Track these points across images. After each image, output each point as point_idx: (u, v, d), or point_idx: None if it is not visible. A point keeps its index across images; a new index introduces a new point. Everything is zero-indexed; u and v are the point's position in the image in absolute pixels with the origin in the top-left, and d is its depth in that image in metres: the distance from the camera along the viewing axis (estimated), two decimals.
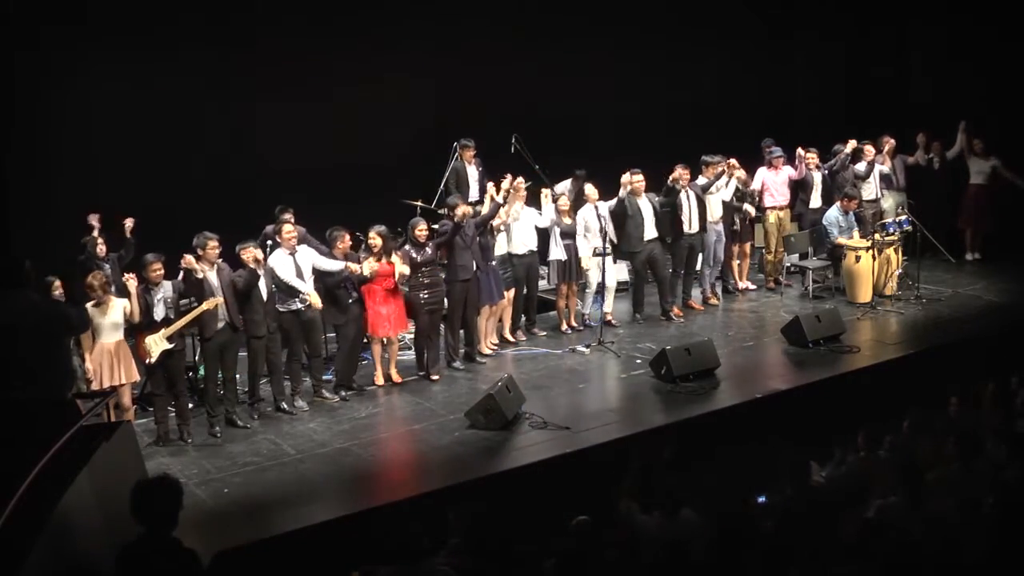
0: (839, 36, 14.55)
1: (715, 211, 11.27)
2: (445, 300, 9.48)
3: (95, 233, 8.96)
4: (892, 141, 12.67)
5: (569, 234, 10.33)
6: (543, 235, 10.45)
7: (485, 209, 9.88)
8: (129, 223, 9.12)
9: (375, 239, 9.00)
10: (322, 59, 11.23)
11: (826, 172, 12.09)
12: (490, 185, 9.96)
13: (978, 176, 12.97)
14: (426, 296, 9.27)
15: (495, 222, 9.74)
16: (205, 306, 7.93)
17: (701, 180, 11.16)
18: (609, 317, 10.74)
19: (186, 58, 10.38)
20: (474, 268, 9.52)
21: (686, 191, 10.89)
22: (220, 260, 8.26)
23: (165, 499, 4.51)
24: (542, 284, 10.93)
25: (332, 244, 8.96)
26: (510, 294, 10.18)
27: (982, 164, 12.95)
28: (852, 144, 12.06)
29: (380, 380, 9.29)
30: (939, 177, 13.15)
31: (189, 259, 7.97)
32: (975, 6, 13.51)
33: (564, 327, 10.65)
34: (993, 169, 12.87)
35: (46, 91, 9.77)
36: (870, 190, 12.29)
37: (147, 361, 7.85)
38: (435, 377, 9.41)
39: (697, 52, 13.86)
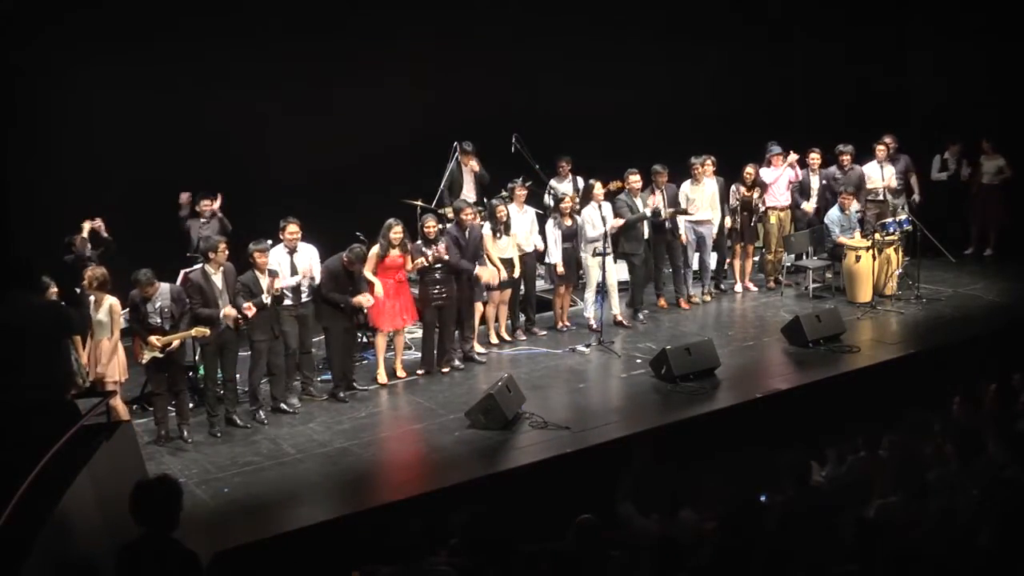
0: (839, 37, 14.53)
1: (702, 212, 11.33)
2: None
3: (84, 234, 8.95)
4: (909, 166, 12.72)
5: (569, 236, 10.34)
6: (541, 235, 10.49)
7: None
8: (99, 223, 9.08)
9: (398, 232, 9.04)
10: (322, 59, 11.23)
11: (824, 182, 12.15)
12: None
13: (986, 176, 12.96)
14: (436, 292, 9.31)
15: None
16: (194, 332, 7.91)
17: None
18: (620, 318, 10.74)
19: (186, 58, 10.38)
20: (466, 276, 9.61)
21: (662, 191, 10.96)
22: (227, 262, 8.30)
23: (164, 499, 4.50)
24: (539, 284, 10.93)
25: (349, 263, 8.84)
26: (505, 294, 10.19)
27: (991, 164, 12.94)
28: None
29: (383, 377, 9.29)
30: (952, 178, 13.16)
31: (229, 312, 8.10)
32: (976, 6, 13.51)
33: (560, 325, 10.67)
34: (999, 169, 12.88)
35: (46, 91, 9.78)
36: (877, 191, 12.33)
37: (139, 361, 7.87)
38: (445, 369, 9.51)
39: (697, 53, 13.85)
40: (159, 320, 7.87)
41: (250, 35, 10.83)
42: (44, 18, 9.54)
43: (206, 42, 10.50)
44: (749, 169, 11.63)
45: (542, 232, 10.50)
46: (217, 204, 9.91)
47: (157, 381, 8.08)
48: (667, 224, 11.01)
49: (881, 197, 12.34)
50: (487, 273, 9.72)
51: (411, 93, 11.94)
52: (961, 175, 13.11)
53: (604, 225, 10.32)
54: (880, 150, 12.41)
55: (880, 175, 12.39)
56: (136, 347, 7.88)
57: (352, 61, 11.50)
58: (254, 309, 8.16)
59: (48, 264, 8.14)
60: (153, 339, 7.81)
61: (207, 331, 7.96)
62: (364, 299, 8.81)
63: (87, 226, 8.95)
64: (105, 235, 9.04)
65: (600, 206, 10.36)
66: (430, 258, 9.15)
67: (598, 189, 10.44)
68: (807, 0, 14.41)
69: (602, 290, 10.50)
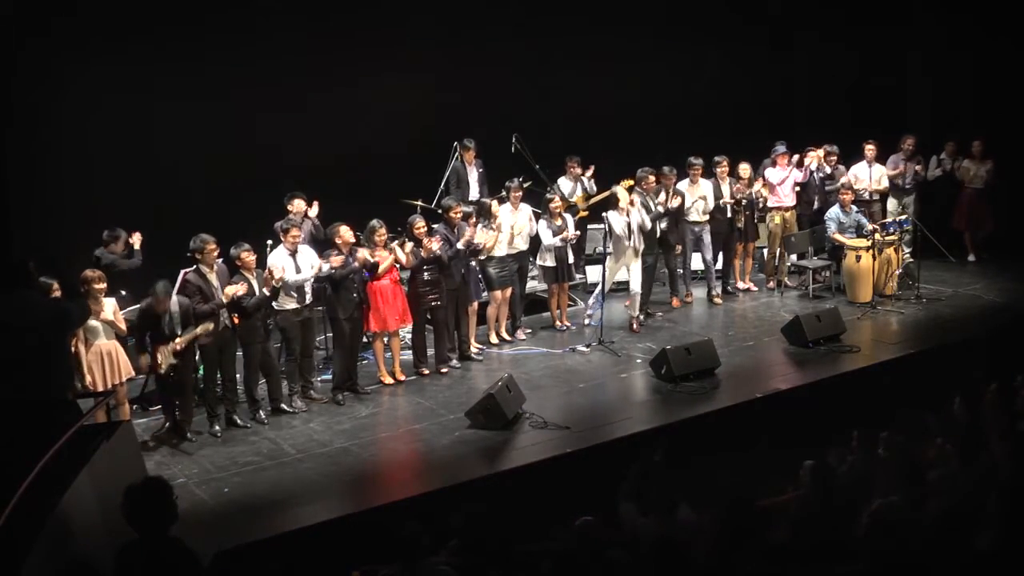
0: (839, 36, 14.54)
1: (694, 214, 11.34)
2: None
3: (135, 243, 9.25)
4: (916, 166, 12.70)
5: (560, 235, 10.34)
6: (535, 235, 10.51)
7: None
8: (136, 238, 9.32)
9: (382, 234, 9.06)
10: (322, 59, 11.23)
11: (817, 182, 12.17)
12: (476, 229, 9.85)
13: (976, 180, 12.92)
14: (426, 291, 9.31)
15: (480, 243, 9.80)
16: (199, 330, 7.95)
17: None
18: (635, 321, 10.71)
19: (185, 58, 10.38)
20: (461, 273, 9.64)
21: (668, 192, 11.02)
22: (219, 261, 8.28)
23: (154, 501, 4.49)
24: (532, 284, 10.95)
25: (331, 238, 8.96)
26: (506, 293, 10.20)
27: (979, 167, 12.91)
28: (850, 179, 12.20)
29: (386, 378, 9.29)
30: (949, 178, 13.14)
31: (228, 291, 8.16)
32: (975, 6, 13.52)
33: (559, 325, 10.67)
34: (988, 173, 12.84)
35: (45, 90, 9.77)
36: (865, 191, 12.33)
37: (159, 371, 7.90)
38: (444, 370, 9.52)
39: (697, 52, 13.87)
40: (167, 331, 7.89)
41: (250, 35, 10.83)
42: (43, 19, 9.54)
43: (204, 41, 10.50)
44: (744, 166, 11.64)
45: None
46: (314, 211, 9.93)
47: (165, 381, 8.10)
48: (663, 224, 10.98)
49: (872, 197, 12.36)
50: (481, 235, 9.71)
51: (411, 93, 11.94)
52: (956, 173, 13.06)
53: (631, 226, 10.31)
54: (869, 150, 12.43)
55: (868, 176, 12.40)
56: (155, 356, 7.89)
57: (352, 62, 11.50)
58: (244, 287, 8.19)
59: (45, 265, 8.12)
60: (166, 349, 7.82)
61: (211, 326, 7.99)
62: (362, 252, 8.85)
63: (137, 238, 9.25)
64: (138, 248, 9.26)
65: (628, 212, 10.31)
66: (424, 252, 9.15)
67: (621, 195, 10.40)
68: (808, 0, 14.43)
69: (602, 290, 10.51)
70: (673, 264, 11.41)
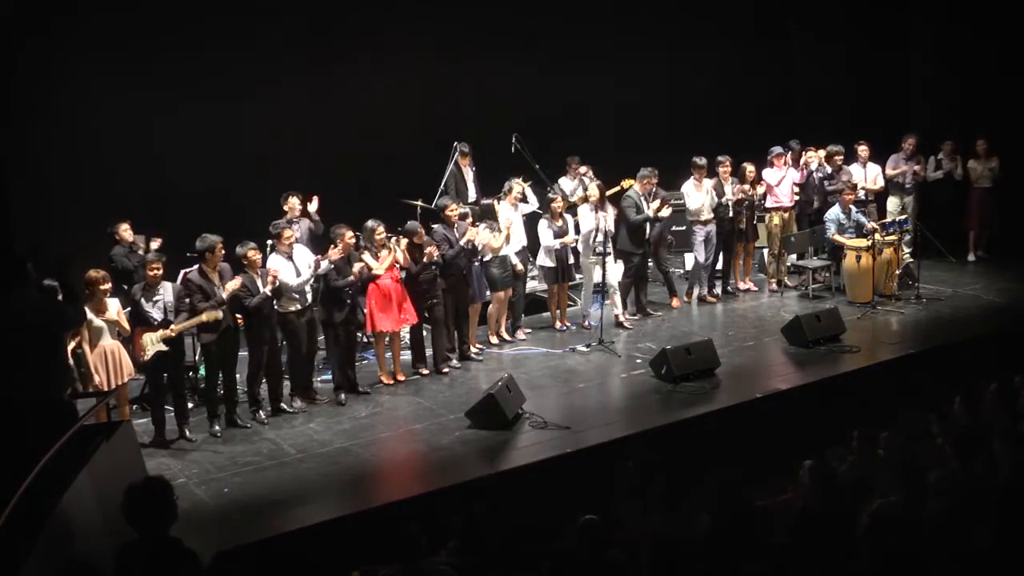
0: (839, 36, 14.55)
1: (704, 212, 11.33)
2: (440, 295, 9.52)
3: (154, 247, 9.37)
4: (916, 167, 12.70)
5: (561, 236, 10.34)
6: (533, 234, 10.50)
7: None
8: (156, 243, 9.47)
9: (381, 233, 9.05)
10: (322, 60, 11.23)
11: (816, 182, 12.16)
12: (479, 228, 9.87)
13: (983, 179, 12.91)
14: (423, 290, 9.32)
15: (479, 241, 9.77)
16: (204, 317, 7.92)
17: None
18: (621, 318, 10.71)
19: (185, 58, 10.39)
20: (463, 273, 9.64)
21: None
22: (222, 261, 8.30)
23: (154, 501, 4.49)
24: (532, 284, 10.94)
25: (334, 240, 8.96)
26: (507, 293, 10.20)
27: (985, 166, 12.90)
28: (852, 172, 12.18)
29: (386, 379, 9.29)
30: (948, 178, 13.13)
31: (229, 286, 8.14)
32: (975, 4, 13.53)
33: (558, 325, 10.67)
34: (992, 171, 12.83)
35: (45, 90, 9.77)
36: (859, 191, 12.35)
37: (141, 358, 7.84)
38: (444, 370, 9.51)
39: (697, 51, 13.87)
40: (158, 317, 7.87)
41: (250, 35, 10.84)
42: (43, 19, 9.54)
43: (206, 41, 10.51)
44: (749, 167, 11.65)
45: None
46: (313, 206, 9.94)
47: (157, 382, 8.09)
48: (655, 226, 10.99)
49: (868, 198, 12.36)
50: (485, 237, 9.71)
51: (412, 93, 11.95)
52: (955, 174, 13.06)
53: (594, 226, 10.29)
54: (862, 151, 12.43)
55: (863, 176, 12.40)
56: (137, 343, 7.87)
57: (353, 61, 11.51)
58: (238, 281, 8.18)
59: (44, 265, 8.12)
60: (154, 335, 7.80)
61: (219, 314, 7.96)
62: (358, 266, 8.82)
63: (156, 243, 9.41)
64: (140, 250, 9.31)
65: (596, 208, 10.32)
66: (427, 258, 9.15)
67: (592, 190, 10.45)
68: (809, 0, 14.44)
69: (601, 290, 10.50)
70: (666, 265, 11.41)
